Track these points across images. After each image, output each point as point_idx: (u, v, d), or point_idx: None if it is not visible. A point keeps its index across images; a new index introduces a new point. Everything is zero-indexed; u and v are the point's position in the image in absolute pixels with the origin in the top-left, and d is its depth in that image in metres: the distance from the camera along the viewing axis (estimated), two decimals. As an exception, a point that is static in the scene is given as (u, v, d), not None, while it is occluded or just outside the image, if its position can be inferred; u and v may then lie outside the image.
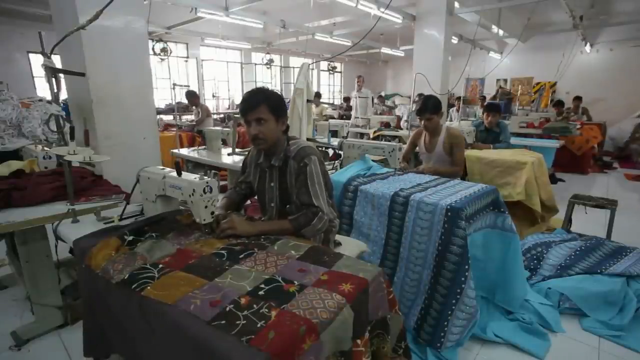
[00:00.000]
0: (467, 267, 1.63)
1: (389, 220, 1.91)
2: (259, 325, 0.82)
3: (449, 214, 1.68)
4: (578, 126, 5.78)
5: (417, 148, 2.92)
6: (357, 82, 6.97)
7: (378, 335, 1.08)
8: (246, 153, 1.77)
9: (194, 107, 5.65)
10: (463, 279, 1.63)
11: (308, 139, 3.01)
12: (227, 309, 0.88)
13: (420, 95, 5.86)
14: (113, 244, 1.23)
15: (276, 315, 0.85)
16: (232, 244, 1.26)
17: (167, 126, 5.56)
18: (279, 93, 1.53)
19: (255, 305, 0.89)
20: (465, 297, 1.64)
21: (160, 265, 1.11)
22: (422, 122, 2.62)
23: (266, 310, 0.87)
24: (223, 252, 1.19)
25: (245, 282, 1.01)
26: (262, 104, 1.41)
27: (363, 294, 1.00)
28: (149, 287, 0.99)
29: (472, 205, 1.76)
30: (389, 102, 10.43)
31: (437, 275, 1.73)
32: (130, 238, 1.27)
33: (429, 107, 2.57)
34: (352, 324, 0.92)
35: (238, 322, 0.83)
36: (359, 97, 6.96)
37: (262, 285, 0.99)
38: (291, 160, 1.47)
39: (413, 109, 5.59)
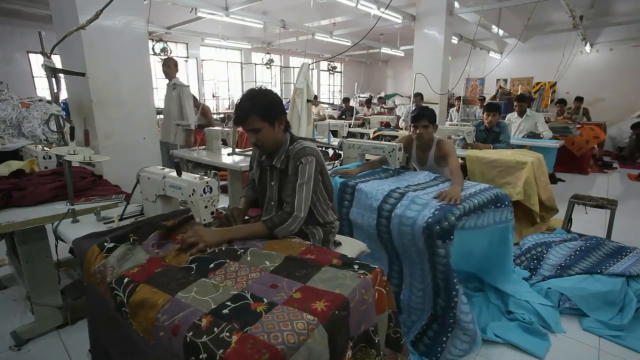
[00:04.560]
0: (455, 281, 1.64)
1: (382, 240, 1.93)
2: (217, 358, 0.76)
3: (426, 232, 1.67)
4: (577, 126, 5.78)
5: (410, 157, 2.73)
6: (168, 68, 3.69)
7: (361, 349, 1.01)
8: (248, 152, 1.77)
9: (195, 109, 5.65)
10: (454, 294, 1.65)
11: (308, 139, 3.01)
12: (188, 339, 0.81)
13: (417, 94, 5.86)
14: (94, 254, 1.20)
15: (237, 341, 0.78)
16: (204, 252, 1.21)
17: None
18: (270, 92, 1.45)
19: (216, 329, 0.82)
20: (461, 320, 1.65)
21: (125, 280, 1.04)
22: (417, 130, 2.39)
23: (227, 335, 0.80)
24: (192, 265, 1.11)
25: (210, 296, 0.94)
26: (250, 116, 1.37)
27: (340, 311, 0.91)
28: (128, 314, 0.98)
29: (452, 216, 1.72)
30: (389, 103, 10.41)
31: (435, 295, 1.75)
32: (111, 245, 1.23)
33: (426, 114, 2.38)
34: (327, 346, 0.84)
35: (200, 355, 0.78)
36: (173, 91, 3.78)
37: (228, 303, 0.92)
38: (291, 161, 1.46)
39: (412, 109, 5.59)
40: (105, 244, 1.23)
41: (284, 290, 0.97)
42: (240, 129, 3.91)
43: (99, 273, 1.13)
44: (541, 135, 4.52)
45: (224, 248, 1.22)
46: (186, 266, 1.11)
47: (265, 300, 0.93)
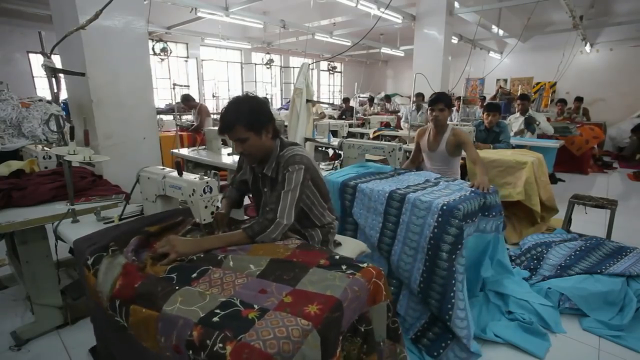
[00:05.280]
0: (452, 295, 1.65)
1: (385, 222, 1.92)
2: None
3: (440, 217, 1.68)
4: (577, 126, 5.78)
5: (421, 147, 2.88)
6: None
7: (347, 339, 1.00)
8: None
9: (192, 110, 5.68)
10: (449, 307, 1.66)
11: (308, 139, 3.01)
12: (191, 357, 0.81)
13: (418, 94, 5.87)
14: (87, 274, 1.16)
15: (232, 352, 0.76)
16: (182, 262, 1.15)
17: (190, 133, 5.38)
18: (256, 100, 1.40)
19: (208, 341, 0.79)
20: (457, 335, 1.66)
21: (117, 303, 1.01)
22: (433, 113, 2.57)
23: (220, 346, 0.78)
24: (172, 275, 1.06)
25: (197, 306, 0.91)
26: (235, 126, 1.32)
27: (333, 312, 0.90)
28: (134, 336, 0.97)
29: (466, 205, 1.76)
30: (392, 105, 10.36)
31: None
32: (92, 261, 1.18)
33: (442, 98, 2.57)
34: (319, 348, 0.84)
35: None
36: None
37: (217, 310, 0.88)
38: (281, 169, 1.41)
39: (412, 109, 5.60)
40: (88, 262, 1.17)
41: (274, 295, 0.95)
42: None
43: (98, 296, 1.12)
44: (537, 123, 4.52)
45: (202, 255, 1.18)
46: (165, 276, 1.06)
47: (255, 306, 0.90)
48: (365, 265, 1.09)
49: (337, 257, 1.15)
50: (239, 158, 1.70)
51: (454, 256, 1.65)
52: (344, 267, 1.07)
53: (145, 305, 0.96)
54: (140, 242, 1.24)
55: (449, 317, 1.64)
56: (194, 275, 1.05)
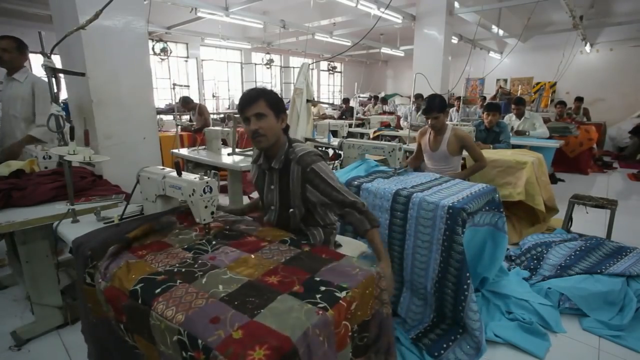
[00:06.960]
0: (467, 278, 1.66)
1: (391, 219, 1.92)
2: None
3: (448, 220, 1.69)
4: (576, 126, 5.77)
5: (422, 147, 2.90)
6: (4, 52, 2.51)
7: None
8: (248, 152, 1.72)
9: (192, 111, 5.69)
10: (462, 298, 1.67)
11: (308, 139, 3.01)
12: None
13: (418, 95, 5.88)
14: (86, 291, 1.18)
15: None
16: (155, 272, 1.07)
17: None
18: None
19: None
20: (469, 327, 1.68)
21: (122, 326, 1.03)
22: (429, 121, 2.65)
23: None
24: (137, 287, 1.00)
25: (148, 350, 0.87)
26: (260, 98, 1.38)
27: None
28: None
29: (472, 206, 1.78)
30: (390, 105, 10.35)
31: (444, 295, 1.78)
32: (88, 279, 1.18)
33: (435, 106, 2.60)
34: None
35: None
36: None
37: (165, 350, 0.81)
38: (294, 165, 1.42)
39: (412, 109, 5.60)
40: (86, 280, 1.18)
41: (225, 327, 0.83)
42: (240, 128, 3.91)
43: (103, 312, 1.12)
44: (527, 134, 4.53)
45: (183, 270, 1.08)
46: (133, 289, 1.00)
47: (200, 342, 0.80)
48: (343, 294, 0.94)
49: (318, 279, 1.02)
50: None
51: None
52: (318, 296, 0.93)
53: (143, 338, 0.97)
54: (118, 250, 1.20)
55: (462, 307, 1.67)
56: (158, 290, 0.98)
